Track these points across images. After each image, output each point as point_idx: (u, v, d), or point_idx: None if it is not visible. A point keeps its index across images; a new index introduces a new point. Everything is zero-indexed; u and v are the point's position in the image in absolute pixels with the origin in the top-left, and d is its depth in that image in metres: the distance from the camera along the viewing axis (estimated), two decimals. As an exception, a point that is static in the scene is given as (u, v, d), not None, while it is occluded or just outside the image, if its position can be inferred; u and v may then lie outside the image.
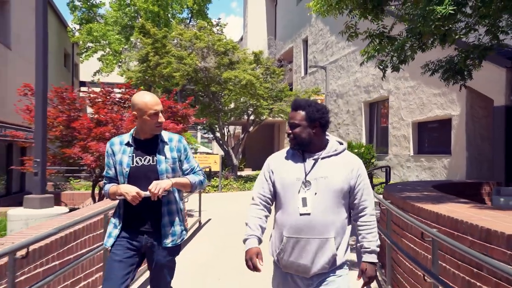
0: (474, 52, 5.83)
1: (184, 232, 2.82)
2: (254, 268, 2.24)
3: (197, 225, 7.94)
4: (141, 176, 2.68)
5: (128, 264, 2.67)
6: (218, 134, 17.92)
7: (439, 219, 3.67)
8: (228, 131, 22.88)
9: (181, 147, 2.82)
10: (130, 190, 2.59)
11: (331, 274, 2.25)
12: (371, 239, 2.29)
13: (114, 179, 2.78)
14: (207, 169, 12.66)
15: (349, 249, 2.31)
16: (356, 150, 15.04)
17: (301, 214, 2.20)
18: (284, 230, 2.24)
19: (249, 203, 2.42)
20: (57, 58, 19.49)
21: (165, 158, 2.73)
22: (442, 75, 6.95)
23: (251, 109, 17.27)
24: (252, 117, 17.75)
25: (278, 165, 2.35)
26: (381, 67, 5.82)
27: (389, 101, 15.05)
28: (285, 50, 26.00)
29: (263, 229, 2.34)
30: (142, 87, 16.33)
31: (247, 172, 22.51)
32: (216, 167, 14.27)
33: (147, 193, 2.61)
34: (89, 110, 8.36)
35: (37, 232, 3.65)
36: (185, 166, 2.83)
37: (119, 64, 21.89)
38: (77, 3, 21.80)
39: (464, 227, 3.23)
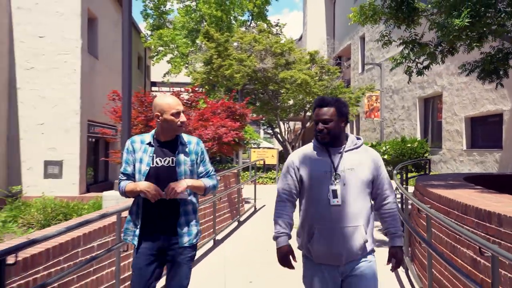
0: (497, 56, 6.42)
1: (199, 233, 2.88)
2: (288, 266, 2.44)
3: (252, 209, 9.15)
4: (159, 176, 2.74)
5: (151, 269, 2.74)
6: (277, 130, 19.06)
7: (440, 199, 4.51)
8: (289, 126, 23.95)
9: (199, 150, 2.89)
10: (150, 188, 2.65)
11: (362, 260, 2.38)
12: (396, 225, 2.45)
13: (131, 177, 2.82)
14: (261, 162, 13.81)
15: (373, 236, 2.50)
16: (409, 145, 15.49)
17: (332, 205, 2.32)
18: (314, 221, 2.36)
19: (276, 200, 2.55)
20: (132, 61, 21.64)
21: (184, 160, 2.80)
22: (479, 75, 7.53)
23: (307, 106, 18.20)
24: (308, 113, 18.68)
25: (304, 160, 2.46)
26: (407, 72, 6.59)
27: (443, 97, 15.31)
28: (343, 47, 26.49)
29: (291, 226, 2.48)
30: (207, 87, 17.86)
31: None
32: (273, 161, 15.43)
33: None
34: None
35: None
36: (201, 169, 2.89)
37: (186, 65, 23.69)
38: (149, 11, 23.91)
39: (453, 204, 4.07)
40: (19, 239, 3.61)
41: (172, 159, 2.78)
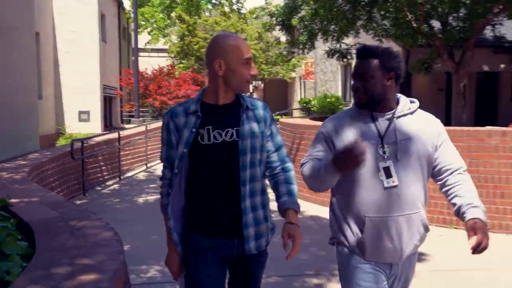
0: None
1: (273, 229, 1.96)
2: (359, 161, 1.68)
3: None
4: (217, 158, 1.79)
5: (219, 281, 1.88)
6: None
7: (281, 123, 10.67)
8: (254, 86, 29.91)
9: (268, 117, 1.90)
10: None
11: (413, 256, 1.94)
12: (474, 196, 1.83)
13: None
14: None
15: None
16: (328, 100, 21.73)
17: (385, 188, 1.80)
18: (363, 210, 1.83)
19: (301, 171, 1.93)
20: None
21: (252, 131, 1.82)
22: (337, 58, 13.57)
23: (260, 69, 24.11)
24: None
25: (341, 129, 1.88)
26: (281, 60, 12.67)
27: (352, 65, 21.46)
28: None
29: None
30: (181, 55, 23.42)
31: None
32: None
33: None
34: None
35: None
36: (269, 144, 1.90)
37: (163, 36, 29.09)
38: (131, -9, 28.89)
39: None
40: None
41: (236, 130, 1.80)
